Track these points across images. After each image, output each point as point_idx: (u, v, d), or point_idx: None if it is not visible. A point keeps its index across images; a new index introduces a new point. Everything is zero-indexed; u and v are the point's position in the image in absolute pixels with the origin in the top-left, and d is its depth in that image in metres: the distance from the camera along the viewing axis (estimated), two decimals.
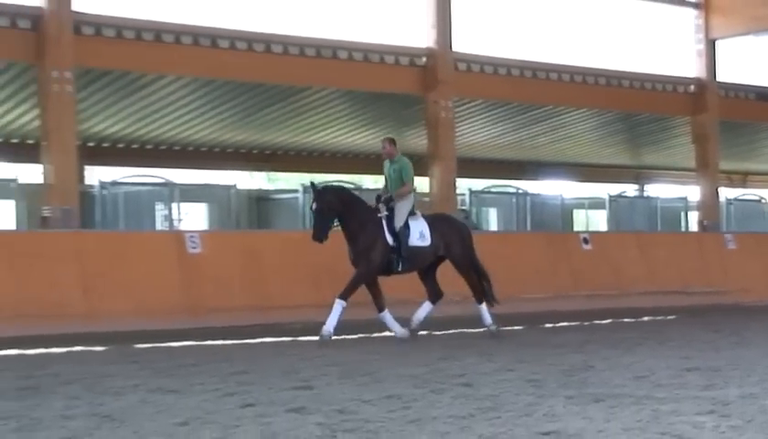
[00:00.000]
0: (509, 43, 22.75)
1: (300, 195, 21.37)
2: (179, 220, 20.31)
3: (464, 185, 25.98)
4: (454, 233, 13.98)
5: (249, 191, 25.29)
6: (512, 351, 11.25)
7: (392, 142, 14.03)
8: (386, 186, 13.85)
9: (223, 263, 16.36)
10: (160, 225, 20.41)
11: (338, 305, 12.73)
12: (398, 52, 20.97)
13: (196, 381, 8.63)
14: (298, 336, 13.53)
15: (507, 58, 22.54)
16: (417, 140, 24.57)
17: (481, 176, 29.81)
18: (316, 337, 12.53)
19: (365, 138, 26.80)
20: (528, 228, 24.18)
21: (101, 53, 17.74)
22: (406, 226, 13.35)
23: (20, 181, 19.09)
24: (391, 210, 13.45)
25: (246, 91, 21.45)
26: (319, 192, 13.20)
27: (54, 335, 13.18)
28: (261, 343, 12.47)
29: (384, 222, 13.28)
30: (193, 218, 22.40)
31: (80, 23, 17.31)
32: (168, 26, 18.44)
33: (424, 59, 21.10)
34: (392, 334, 13.33)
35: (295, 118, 23.86)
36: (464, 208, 23.43)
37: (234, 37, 19.00)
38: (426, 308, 13.70)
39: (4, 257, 14.94)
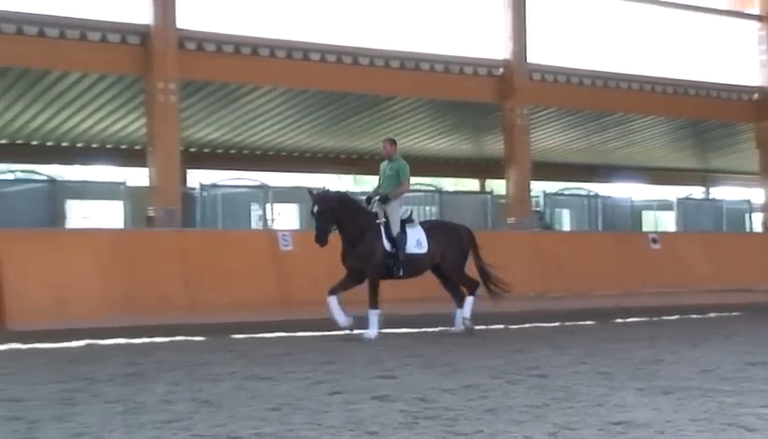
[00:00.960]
0: (582, 54, 22.49)
1: None
2: (273, 220, 20.41)
3: (539, 187, 25.75)
4: (452, 242, 13.12)
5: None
6: (584, 345, 11.09)
7: (393, 142, 13.22)
8: (378, 185, 13.13)
9: (312, 260, 16.36)
10: (255, 224, 20.54)
11: (373, 315, 12.28)
12: (476, 63, 20.87)
13: (287, 370, 8.64)
14: (383, 328, 13.48)
15: (580, 69, 22.33)
16: (494, 145, 24.49)
17: (555, 179, 29.56)
18: (367, 337, 12.05)
19: (445, 144, 26.76)
20: (600, 228, 23.88)
21: (203, 66, 17.96)
22: (403, 232, 12.68)
23: (128, 184, 19.36)
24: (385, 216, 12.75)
25: (335, 100, 21.52)
26: (320, 196, 12.58)
27: (158, 325, 13.31)
28: (347, 335, 12.44)
29: (383, 229, 12.62)
30: (285, 218, 22.50)
31: (184, 38, 17.53)
32: (264, 41, 18.58)
33: (501, 70, 20.99)
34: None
35: (380, 125, 23.89)
36: (538, 209, 23.22)
37: (324, 51, 19.08)
38: (459, 316, 12.90)
39: (113, 254, 15.16)
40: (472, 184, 32.27)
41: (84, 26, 16.89)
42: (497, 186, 26.52)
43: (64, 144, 23.37)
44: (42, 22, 16.50)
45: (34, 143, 23.09)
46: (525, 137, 21.31)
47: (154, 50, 17.05)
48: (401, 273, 12.69)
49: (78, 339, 11.81)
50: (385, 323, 12.52)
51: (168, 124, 17.23)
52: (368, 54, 19.67)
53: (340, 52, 19.32)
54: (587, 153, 29.14)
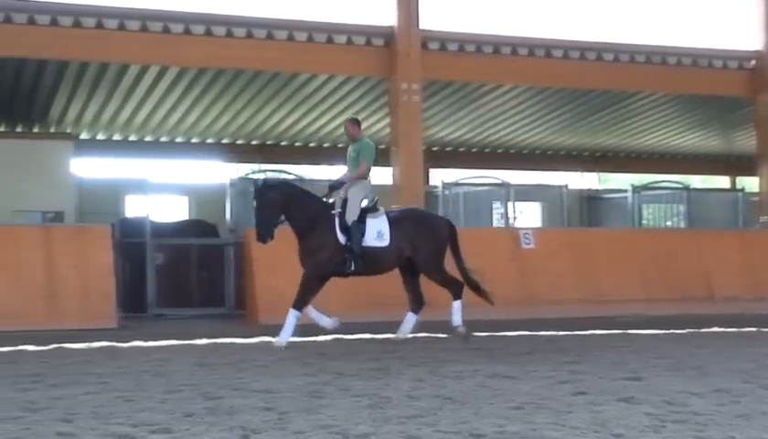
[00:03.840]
0: None
1: (629, 195, 20.86)
2: (514, 218, 20.35)
3: None
4: (423, 234, 11.74)
5: (580, 191, 25.00)
6: None
7: (355, 122, 12.01)
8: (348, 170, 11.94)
9: (555, 259, 16.25)
10: (496, 222, 20.53)
11: (291, 316, 11.17)
12: (726, 56, 20.08)
13: (530, 369, 8.59)
14: (627, 329, 13.20)
15: None
16: (746, 141, 23.49)
17: None
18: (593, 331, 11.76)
19: (692, 140, 25.92)
20: None
21: (445, 66, 18.11)
22: (362, 222, 11.37)
23: (373, 182, 19.74)
24: (345, 203, 11.48)
25: (577, 97, 21.25)
26: (258, 189, 11.44)
27: (399, 322, 13.50)
28: (592, 335, 12.25)
29: (337, 219, 11.36)
30: (527, 216, 22.38)
31: (427, 39, 17.74)
32: (506, 39, 18.58)
33: (753, 62, 20.09)
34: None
35: (623, 122, 23.41)
36: None
37: (567, 47, 18.87)
38: (410, 321, 11.77)
39: None
40: (722, 181, 31.12)
41: (331, 30, 17.39)
42: (749, 183, 25.42)
43: (311, 144, 24.13)
44: (291, 27, 17.11)
45: (283, 143, 23.96)
46: None
47: (398, 51, 17.34)
48: (353, 268, 11.38)
49: (325, 334, 12.15)
50: (632, 324, 12.21)
51: (412, 124, 17.48)
52: (612, 49, 19.29)
53: (584, 48, 19.04)
54: None
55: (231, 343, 11.61)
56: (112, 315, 13.88)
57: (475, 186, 20.78)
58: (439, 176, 23.96)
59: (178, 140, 23.02)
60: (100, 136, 22.07)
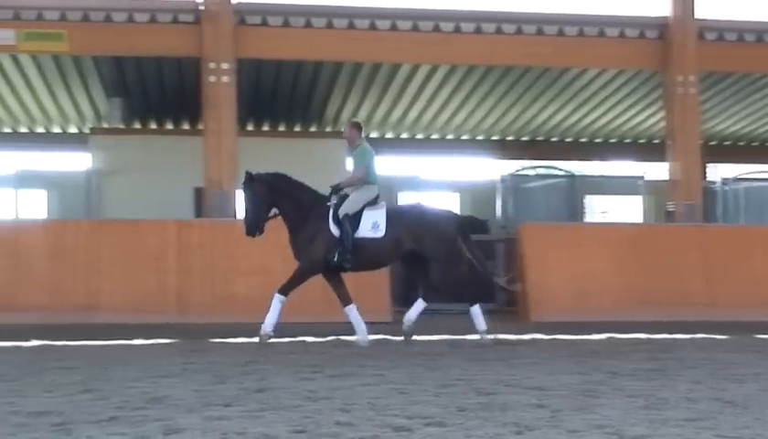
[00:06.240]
0: None
1: None
2: None
3: None
4: (423, 224, 11.01)
5: None
6: None
7: (355, 126, 11.33)
8: None
9: None
10: None
11: (276, 300, 10.73)
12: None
13: None
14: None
15: None
16: None
17: None
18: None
19: None
20: None
21: (723, 57, 17.51)
22: (358, 214, 10.83)
23: (647, 178, 19.37)
24: (343, 198, 11.02)
25: None
26: (245, 181, 10.91)
27: (677, 321, 13.18)
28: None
29: (331, 212, 10.88)
30: None
31: (704, 29, 17.19)
32: None
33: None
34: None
35: None
36: None
37: None
38: (477, 313, 11.13)
39: (632, 249, 15.27)
40: None
41: (603, 23, 17.14)
42: None
43: (582, 140, 23.88)
44: (561, 21, 17.00)
45: (553, 139, 23.83)
46: None
47: (672, 43, 16.89)
48: (339, 261, 10.80)
49: (598, 333, 12.00)
50: None
51: (688, 118, 16.99)
52: None
53: None
54: None
55: (502, 339, 11.65)
56: (386, 308, 14.30)
57: (758, 181, 19.97)
58: (718, 172, 23.16)
59: (449, 137, 23.36)
60: (373, 134, 22.71)
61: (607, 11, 17.54)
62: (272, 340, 10.89)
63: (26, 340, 11.43)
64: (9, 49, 16.20)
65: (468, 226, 11.62)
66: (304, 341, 11.23)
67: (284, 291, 10.81)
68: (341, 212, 10.85)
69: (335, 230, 10.83)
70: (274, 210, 11.06)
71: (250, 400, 6.49)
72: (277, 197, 10.96)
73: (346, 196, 11.06)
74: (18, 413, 5.95)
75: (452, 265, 11.15)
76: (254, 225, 10.85)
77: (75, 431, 5.38)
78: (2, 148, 21.89)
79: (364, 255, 10.90)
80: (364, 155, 11.18)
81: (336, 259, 10.79)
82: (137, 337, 11.69)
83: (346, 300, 10.98)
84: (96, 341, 11.44)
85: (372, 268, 11.44)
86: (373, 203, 11.07)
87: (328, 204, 10.96)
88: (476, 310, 11.10)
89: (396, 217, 11.02)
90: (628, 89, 19.78)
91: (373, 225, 10.88)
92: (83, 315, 13.85)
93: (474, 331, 11.21)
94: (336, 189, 11.10)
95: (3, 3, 15.60)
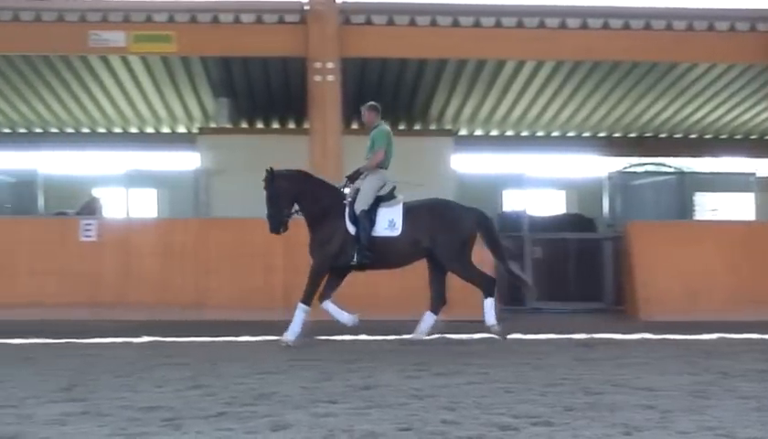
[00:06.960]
0: None
1: None
2: None
3: None
4: (441, 224, 10.83)
5: None
6: None
7: (372, 108, 11.25)
8: None
9: None
10: None
11: (300, 310, 10.66)
12: None
13: None
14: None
15: None
16: None
17: None
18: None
19: None
20: None
21: None
22: (373, 212, 10.74)
23: (758, 175, 18.94)
24: (357, 193, 10.88)
25: None
26: (267, 178, 10.84)
27: None
28: None
29: (347, 209, 10.78)
30: None
31: None
32: None
33: None
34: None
35: None
36: None
37: None
38: (428, 321, 10.90)
39: (743, 247, 15.00)
40: None
41: (712, 17, 16.80)
42: None
43: (692, 135, 23.42)
44: (669, 15, 16.71)
45: (662, 135, 23.43)
46: None
47: None
48: (359, 260, 10.72)
49: (709, 332, 11.79)
50: None
51: None
52: None
53: None
54: None
55: (610, 339, 11.53)
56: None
57: None
58: None
59: (554, 134, 23.14)
60: (477, 132, 22.62)
61: (716, 4, 17.18)
62: (378, 337, 10.95)
63: (137, 337, 11.70)
64: (120, 52, 16.59)
65: (491, 222, 11.41)
66: (406, 339, 11.19)
67: (306, 300, 10.79)
68: (357, 209, 10.81)
69: (351, 228, 10.81)
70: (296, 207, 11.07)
71: (356, 397, 6.53)
72: (299, 194, 10.98)
73: (358, 190, 11.00)
74: (130, 408, 6.10)
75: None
76: (277, 222, 10.85)
77: (184, 426, 5.48)
78: (113, 148, 22.40)
79: (381, 253, 10.83)
80: (382, 136, 11.15)
81: (354, 260, 10.80)
82: (244, 334, 11.87)
83: (324, 296, 10.95)
84: (204, 338, 11.65)
85: (388, 268, 11.27)
86: (388, 198, 11.02)
87: (345, 201, 10.93)
88: (489, 303, 10.90)
89: (414, 214, 10.93)
90: (739, 84, 19.36)
91: (390, 223, 10.83)
92: (192, 312, 14.11)
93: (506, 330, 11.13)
94: (352, 177, 11.09)
95: (113, 6, 16.00)
